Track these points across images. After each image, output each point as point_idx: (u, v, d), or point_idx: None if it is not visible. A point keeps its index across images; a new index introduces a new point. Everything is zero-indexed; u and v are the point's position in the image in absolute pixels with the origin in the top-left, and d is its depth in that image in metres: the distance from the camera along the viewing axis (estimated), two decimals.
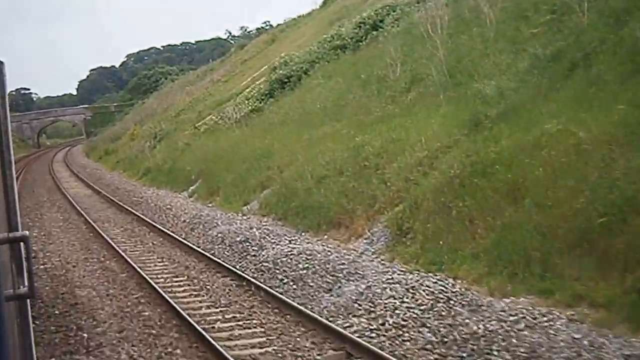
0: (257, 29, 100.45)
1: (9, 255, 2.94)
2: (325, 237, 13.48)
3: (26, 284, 2.83)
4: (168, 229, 17.40)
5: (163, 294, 10.88)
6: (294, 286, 10.63)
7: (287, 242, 13.27)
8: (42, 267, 13.47)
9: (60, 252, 14.97)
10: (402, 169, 12.81)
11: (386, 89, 19.41)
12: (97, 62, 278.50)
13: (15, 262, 2.88)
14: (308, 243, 12.97)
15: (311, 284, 10.48)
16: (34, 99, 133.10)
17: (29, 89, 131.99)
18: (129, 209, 22.00)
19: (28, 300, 3.03)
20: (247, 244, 13.68)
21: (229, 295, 10.71)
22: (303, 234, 14.08)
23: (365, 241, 12.23)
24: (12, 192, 2.95)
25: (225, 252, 13.71)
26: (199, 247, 14.63)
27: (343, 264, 10.95)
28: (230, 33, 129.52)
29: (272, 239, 13.67)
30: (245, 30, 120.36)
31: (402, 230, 11.44)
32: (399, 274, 9.77)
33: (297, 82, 28.90)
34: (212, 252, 13.97)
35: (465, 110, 13.55)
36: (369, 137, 15.23)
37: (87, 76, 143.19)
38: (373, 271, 10.23)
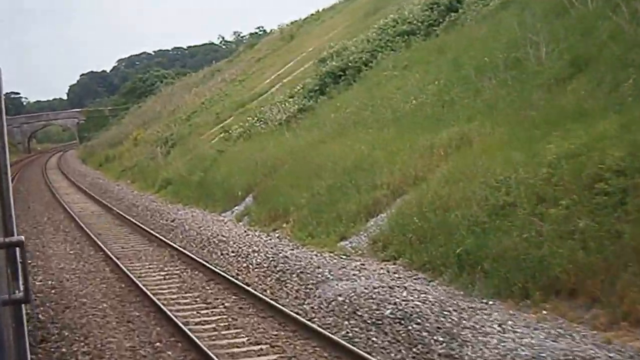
0: (251, 34, 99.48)
1: (5, 260, 2.81)
2: (544, 312, 7.83)
3: (21, 288, 2.73)
4: (235, 277, 11.73)
5: None
6: None
7: (493, 326, 7.57)
8: None
9: (87, 332, 8.95)
10: None
11: (530, 76, 13.86)
12: (87, 67, 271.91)
13: (11, 267, 2.77)
14: (536, 331, 7.27)
15: None
16: (24, 103, 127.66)
17: (18, 93, 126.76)
18: (161, 237, 16.30)
19: (23, 305, 2.82)
20: (415, 325, 7.94)
21: None
22: (490, 302, 8.43)
23: None
24: (7, 197, 2.83)
25: (375, 341, 7.96)
26: (310, 320, 8.93)
27: None
28: (223, 38, 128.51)
29: (459, 317, 7.95)
30: (239, 35, 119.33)
31: None
32: None
33: (356, 75, 23.79)
34: (342, 333, 8.27)
35: None
36: (577, 143, 9.57)
37: (78, 81, 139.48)
38: None
